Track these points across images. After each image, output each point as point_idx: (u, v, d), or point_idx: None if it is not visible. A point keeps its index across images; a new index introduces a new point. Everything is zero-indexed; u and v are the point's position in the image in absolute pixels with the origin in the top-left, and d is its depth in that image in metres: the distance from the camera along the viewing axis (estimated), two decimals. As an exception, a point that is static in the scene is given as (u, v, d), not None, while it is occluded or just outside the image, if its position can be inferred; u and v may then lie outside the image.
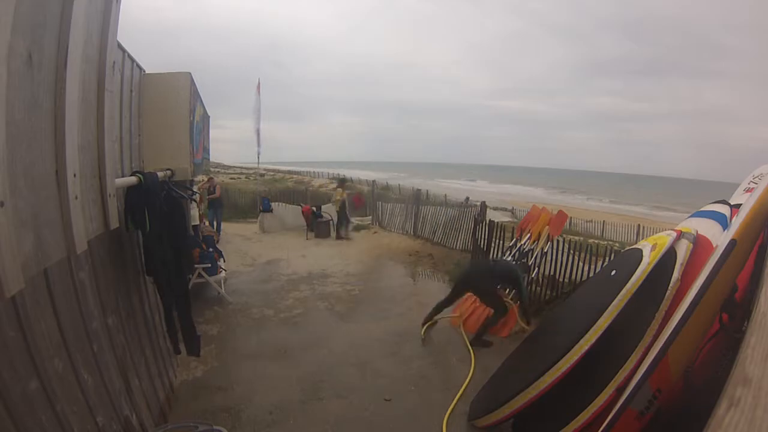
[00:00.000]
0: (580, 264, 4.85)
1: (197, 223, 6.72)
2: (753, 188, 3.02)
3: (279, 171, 41.06)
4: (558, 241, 5.12)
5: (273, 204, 11.12)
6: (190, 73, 3.27)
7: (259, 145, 11.60)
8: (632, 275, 2.49)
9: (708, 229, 2.60)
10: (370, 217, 12.01)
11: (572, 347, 2.46)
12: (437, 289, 6.23)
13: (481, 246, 6.50)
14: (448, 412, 3.04)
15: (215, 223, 9.57)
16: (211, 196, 9.43)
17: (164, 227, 2.40)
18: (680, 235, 2.60)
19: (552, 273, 5.10)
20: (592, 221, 19.94)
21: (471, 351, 3.89)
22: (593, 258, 4.81)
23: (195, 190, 3.35)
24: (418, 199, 10.50)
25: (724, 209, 2.67)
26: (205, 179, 10.06)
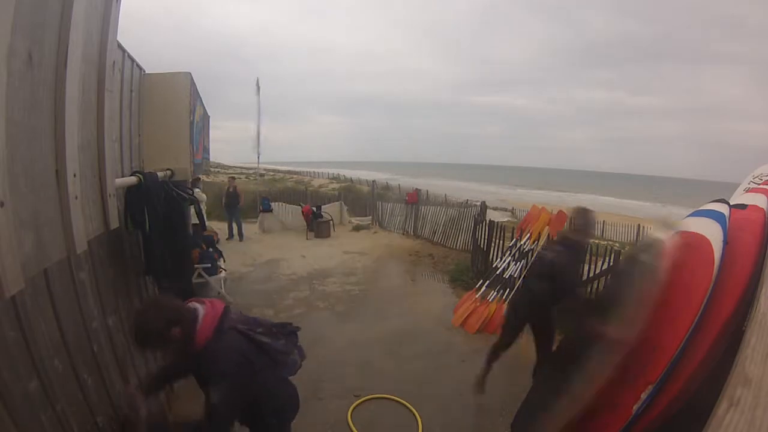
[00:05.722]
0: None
1: (197, 222, 6.72)
2: (753, 188, 3.03)
3: (279, 171, 41.17)
4: (558, 241, 5.12)
5: (273, 204, 11.12)
6: (190, 73, 3.28)
7: (259, 145, 11.62)
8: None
9: (706, 228, 2.60)
10: (370, 217, 12.01)
11: None
12: (437, 289, 6.23)
13: (481, 246, 6.50)
14: (352, 407, 3.05)
15: (235, 227, 9.39)
16: (229, 198, 9.31)
17: (164, 227, 2.41)
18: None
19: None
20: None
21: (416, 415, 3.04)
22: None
23: (193, 190, 3.35)
24: (418, 198, 10.50)
25: (723, 208, 2.66)
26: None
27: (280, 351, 1.76)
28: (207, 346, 1.54)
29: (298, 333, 1.93)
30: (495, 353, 3.31)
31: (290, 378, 1.87)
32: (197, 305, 1.61)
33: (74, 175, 1.42)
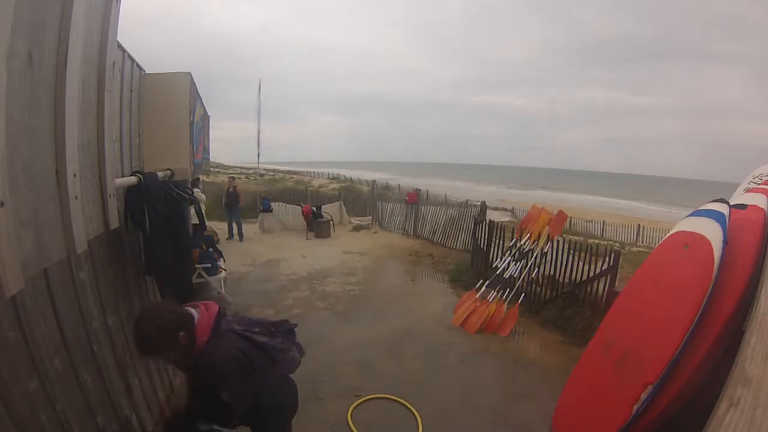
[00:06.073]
0: (580, 264, 4.85)
1: (197, 222, 6.72)
2: (753, 188, 3.03)
3: (279, 171, 41.22)
4: (558, 241, 5.13)
5: (273, 204, 11.13)
6: (190, 73, 3.27)
7: (259, 145, 11.61)
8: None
9: (706, 228, 2.60)
10: (370, 217, 12.01)
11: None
12: (437, 289, 6.24)
13: (481, 246, 6.50)
14: (352, 407, 3.05)
15: (235, 227, 9.36)
16: (229, 198, 9.30)
17: (164, 227, 2.40)
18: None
19: (552, 273, 5.10)
20: (592, 221, 19.96)
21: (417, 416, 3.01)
22: (593, 258, 4.81)
23: (193, 190, 3.34)
24: (418, 198, 10.50)
25: (723, 208, 2.67)
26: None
27: (278, 349, 1.77)
28: (205, 348, 1.55)
29: (298, 331, 1.94)
30: None
31: (291, 376, 1.88)
32: (192, 309, 1.61)
33: (74, 175, 1.42)
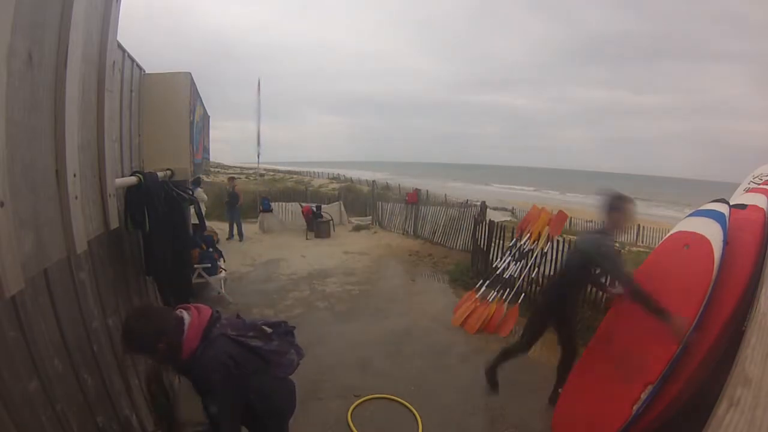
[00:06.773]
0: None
1: (197, 222, 6.72)
2: (753, 188, 3.03)
3: (278, 171, 41.23)
4: (558, 241, 5.12)
5: (273, 204, 11.13)
6: (190, 73, 3.28)
7: (259, 145, 11.62)
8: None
9: (706, 228, 2.60)
10: (370, 217, 12.01)
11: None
12: (437, 289, 6.23)
13: (481, 246, 6.50)
14: (352, 407, 3.05)
15: (235, 227, 9.35)
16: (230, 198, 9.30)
17: (164, 227, 2.41)
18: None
19: (552, 273, 5.10)
20: (592, 221, 19.94)
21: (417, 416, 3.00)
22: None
23: (194, 189, 3.33)
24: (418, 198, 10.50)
25: (723, 208, 2.66)
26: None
27: (274, 352, 1.74)
28: (195, 356, 1.54)
29: (298, 332, 1.92)
30: (509, 354, 3.26)
31: (290, 377, 1.87)
32: (184, 313, 1.60)
33: (74, 175, 1.42)
